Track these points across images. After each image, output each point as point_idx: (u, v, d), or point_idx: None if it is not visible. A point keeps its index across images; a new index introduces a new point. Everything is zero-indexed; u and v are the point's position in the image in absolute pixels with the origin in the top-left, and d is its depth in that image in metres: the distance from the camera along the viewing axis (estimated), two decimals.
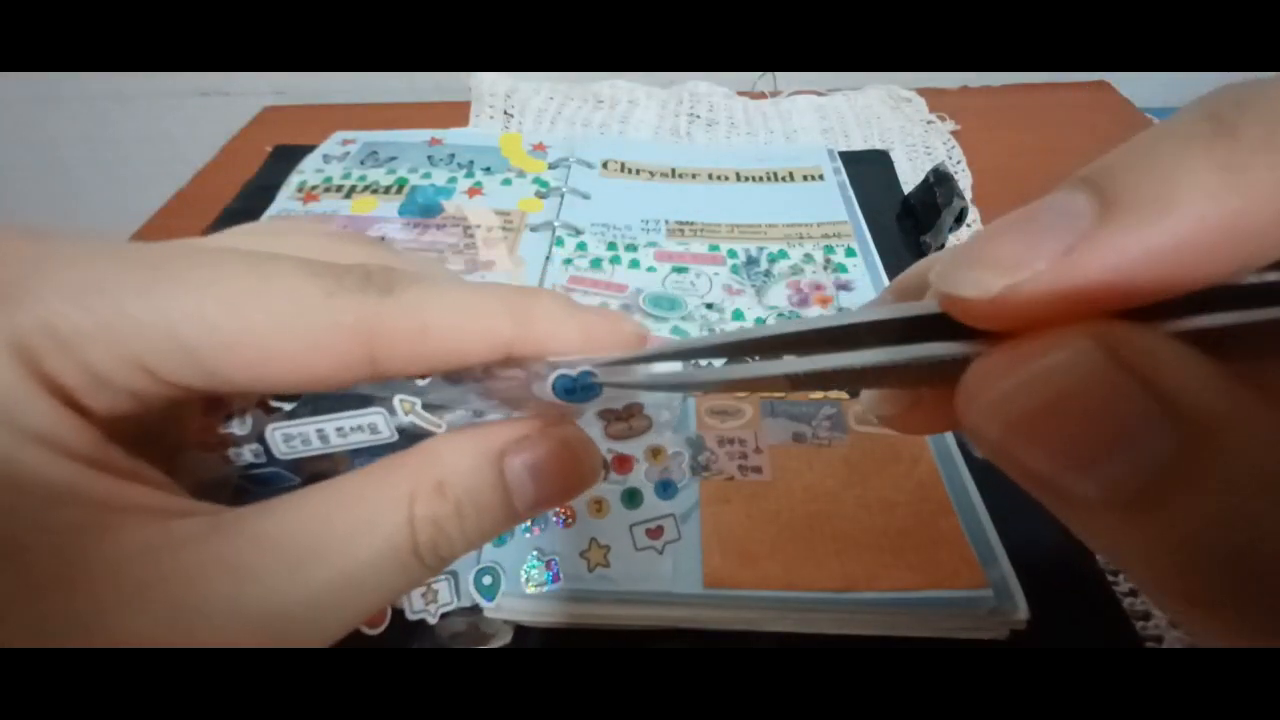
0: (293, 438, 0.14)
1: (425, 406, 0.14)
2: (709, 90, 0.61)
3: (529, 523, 0.29)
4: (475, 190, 0.48)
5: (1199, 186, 0.08)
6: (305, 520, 0.12)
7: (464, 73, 0.61)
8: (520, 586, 0.27)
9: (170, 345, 0.12)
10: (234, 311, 0.12)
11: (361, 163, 0.51)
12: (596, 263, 0.42)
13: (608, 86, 0.61)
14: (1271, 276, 0.09)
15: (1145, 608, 0.28)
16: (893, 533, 0.28)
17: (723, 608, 0.27)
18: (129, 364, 0.12)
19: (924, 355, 0.10)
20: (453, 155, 0.52)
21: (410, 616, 0.26)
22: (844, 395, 0.34)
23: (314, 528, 0.12)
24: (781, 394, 0.33)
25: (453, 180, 0.49)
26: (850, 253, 0.43)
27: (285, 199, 0.48)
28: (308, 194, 0.48)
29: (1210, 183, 0.08)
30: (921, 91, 0.61)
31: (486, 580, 0.27)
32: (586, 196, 0.47)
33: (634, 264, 0.42)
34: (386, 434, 0.14)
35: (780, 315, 0.39)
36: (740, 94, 0.62)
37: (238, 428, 0.16)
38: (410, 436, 0.14)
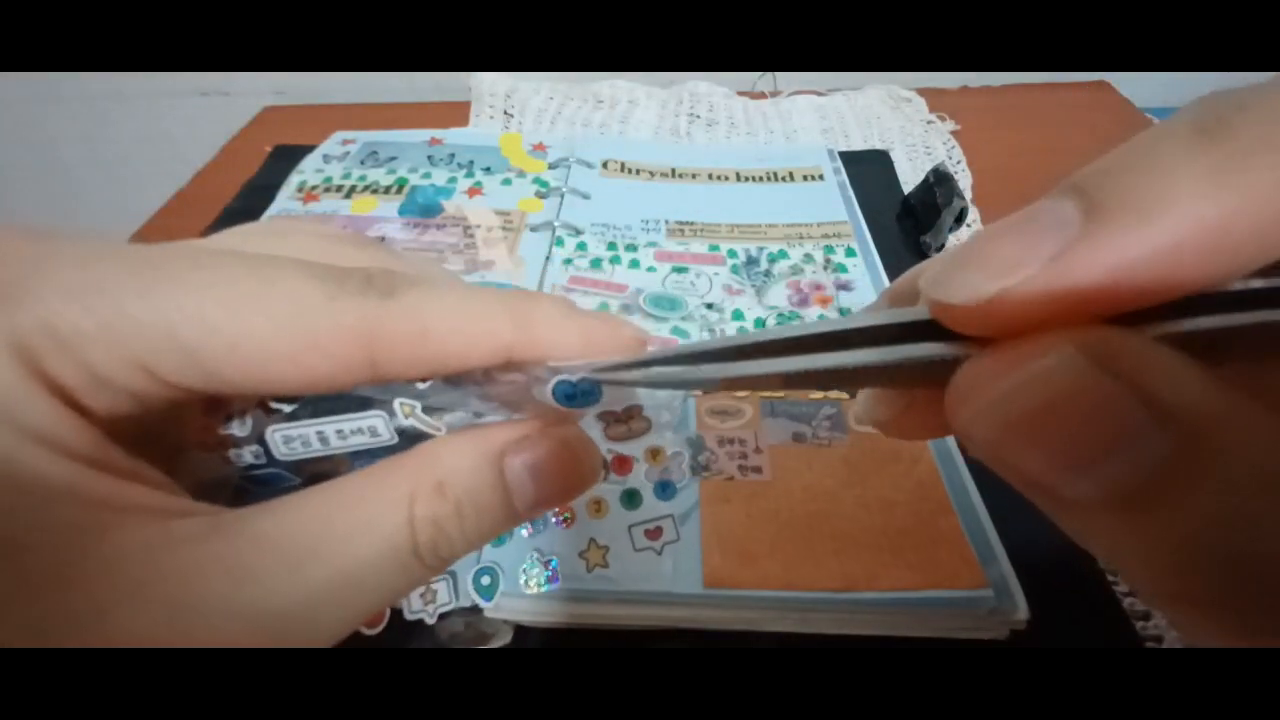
0: (293, 439, 0.14)
1: (425, 409, 0.14)
2: (709, 90, 0.61)
3: (528, 523, 0.29)
4: (475, 190, 0.48)
5: (1184, 193, 0.08)
6: (305, 520, 0.12)
7: (464, 73, 0.61)
8: (519, 587, 0.27)
9: (171, 346, 0.12)
10: (235, 313, 0.12)
11: (361, 163, 0.51)
12: (596, 263, 0.42)
13: (608, 86, 0.61)
14: (1258, 283, 0.09)
15: (1145, 608, 0.28)
16: (892, 532, 0.28)
17: (722, 608, 0.27)
18: (129, 364, 0.12)
19: (915, 355, 0.10)
20: (453, 155, 0.52)
21: (409, 616, 0.26)
22: (844, 395, 0.34)
23: (313, 528, 0.12)
24: (780, 394, 0.33)
25: (453, 180, 0.49)
26: (850, 253, 0.43)
27: (285, 199, 0.48)
28: (308, 194, 0.48)
29: (1195, 189, 0.08)
30: (921, 91, 0.61)
31: (485, 580, 0.27)
32: (586, 196, 0.47)
33: (634, 264, 0.42)
34: (386, 436, 0.14)
35: (780, 315, 0.39)
36: (740, 94, 0.62)
37: (238, 429, 0.16)
38: (410, 439, 0.14)
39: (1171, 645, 0.27)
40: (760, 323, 0.38)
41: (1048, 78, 0.62)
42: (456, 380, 0.14)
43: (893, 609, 0.26)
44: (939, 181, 0.44)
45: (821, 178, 0.49)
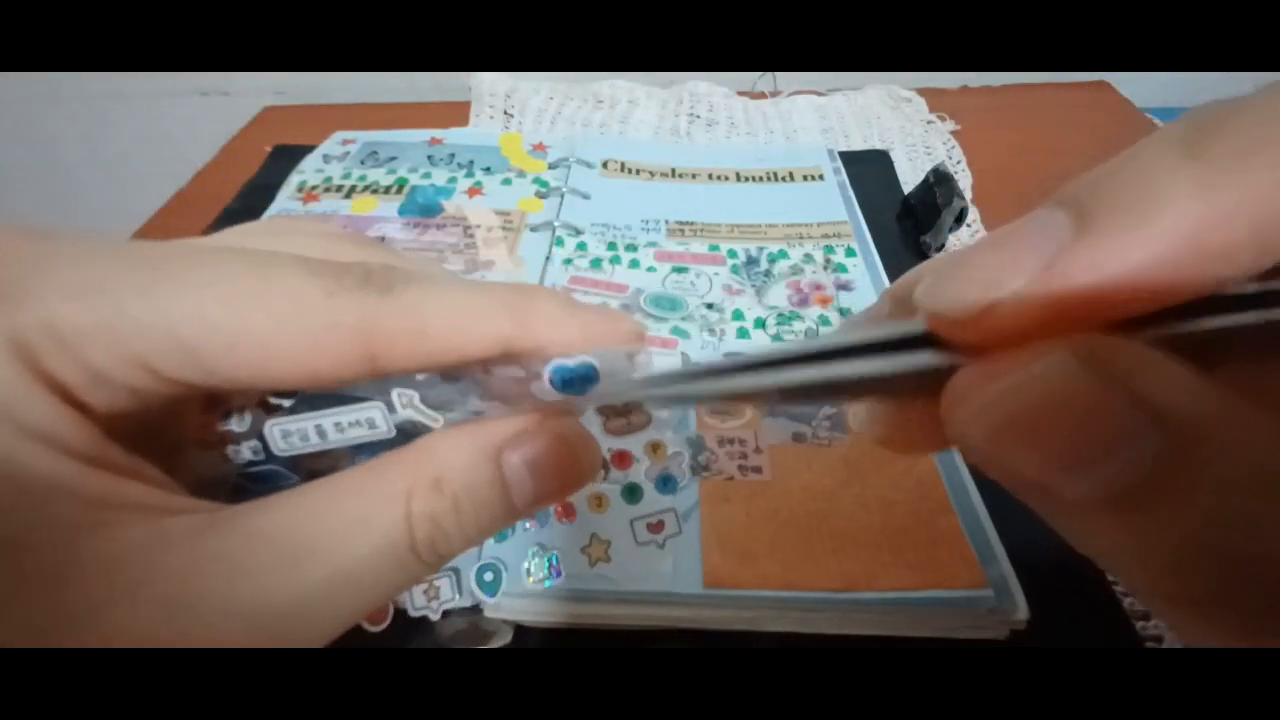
0: (291, 434, 0.14)
1: (423, 402, 0.14)
2: (709, 90, 0.61)
3: (528, 519, 0.29)
4: (475, 190, 0.48)
5: (1170, 201, 0.09)
6: (301, 517, 0.12)
7: (464, 73, 0.61)
8: (521, 583, 0.27)
9: (170, 344, 0.12)
10: (234, 311, 0.12)
11: (361, 163, 0.51)
12: (596, 263, 0.42)
13: (608, 86, 0.61)
14: (1252, 286, 0.09)
15: (1145, 607, 0.28)
16: (892, 532, 0.28)
17: (722, 607, 0.27)
18: (129, 362, 0.12)
19: (911, 366, 0.10)
20: (453, 155, 0.52)
21: (412, 614, 0.26)
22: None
23: (310, 524, 0.12)
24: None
25: (453, 180, 0.49)
26: (850, 253, 0.43)
27: (285, 199, 0.48)
28: (308, 194, 0.48)
29: (1179, 198, 0.09)
30: (921, 91, 0.61)
31: (488, 576, 0.27)
32: (586, 196, 0.47)
33: (634, 264, 0.42)
34: (384, 429, 0.14)
35: (780, 315, 0.39)
36: (740, 94, 0.62)
37: (236, 425, 0.16)
38: (408, 433, 0.14)
39: (1171, 645, 0.27)
40: (760, 323, 0.38)
41: (1048, 78, 0.62)
42: (455, 375, 0.14)
43: (892, 609, 0.26)
44: (939, 181, 0.44)
45: (821, 178, 0.49)
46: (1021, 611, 0.26)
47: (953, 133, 0.56)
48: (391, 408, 0.14)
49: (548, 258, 0.42)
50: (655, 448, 0.31)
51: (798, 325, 0.38)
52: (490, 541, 0.28)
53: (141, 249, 0.13)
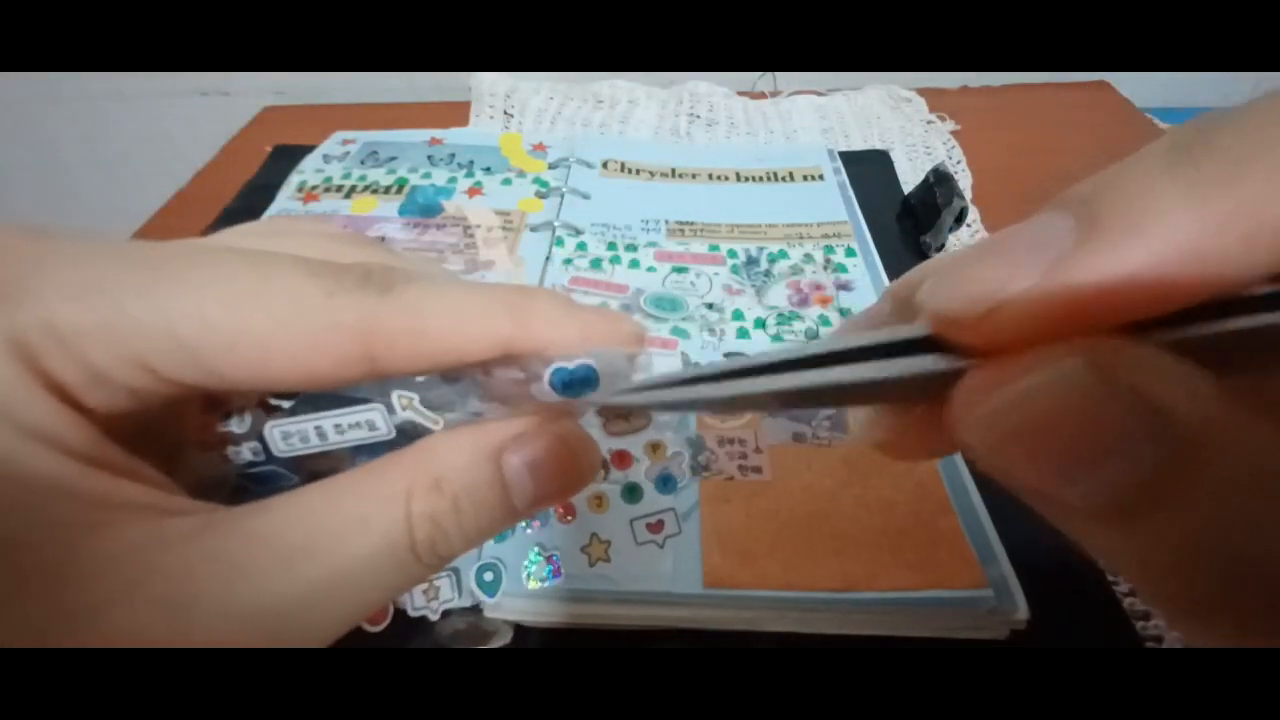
0: (291, 435, 0.14)
1: (423, 404, 0.14)
2: (709, 90, 0.61)
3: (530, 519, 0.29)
4: (475, 190, 0.48)
5: (1166, 208, 0.09)
6: (300, 518, 0.12)
7: (464, 73, 0.61)
8: (521, 582, 0.27)
9: (170, 344, 0.12)
10: (234, 311, 0.12)
11: (361, 163, 0.51)
12: (596, 263, 0.42)
13: (608, 86, 0.61)
14: (1260, 290, 0.09)
15: (1145, 608, 0.28)
16: (892, 532, 0.28)
17: (722, 607, 0.27)
18: (128, 362, 0.12)
19: (914, 370, 0.10)
20: (453, 155, 0.52)
21: (412, 614, 0.26)
22: None
23: (309, 525, 0.12)
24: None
25: (453, 180, 0.49)
26: (850, 253, 0.43)
27: (285, 199, 0.48)
28: (308, 194, 0.48)
29: (1175, 204, 0.09)
30: (921, 91, 0.61)
31: (488, 576, 0.27)
32: (586, 196, 0.47)
33: (634, 264, 0.42)
34: (385, 430, 0.14)
35: (780, 315, 0.39)
36: (740, 94, 0.62)
37: (236, 426, 0.16)
38: (408, 435, 0.14)
39: (1171, 645, 0.27)
40: (760, 323, 0.38)
41: (1048, 78, 0.62)
42: (455, 376, 0.14)
43: (892, 609, 0.26)
44: (939, 181, 0.44)
45: (821, 178, 0.49)
46: (1021, 611, 0.26)
47: (953, 133, 0.56)
48: (391, 409, 0.14)
49: (548, 258, 0.42)
50: (655, 448, 0.31)
51: (798, 325, 0.38)
52: (490, 541, 0.28)
53: (141, 249, 0.13)
